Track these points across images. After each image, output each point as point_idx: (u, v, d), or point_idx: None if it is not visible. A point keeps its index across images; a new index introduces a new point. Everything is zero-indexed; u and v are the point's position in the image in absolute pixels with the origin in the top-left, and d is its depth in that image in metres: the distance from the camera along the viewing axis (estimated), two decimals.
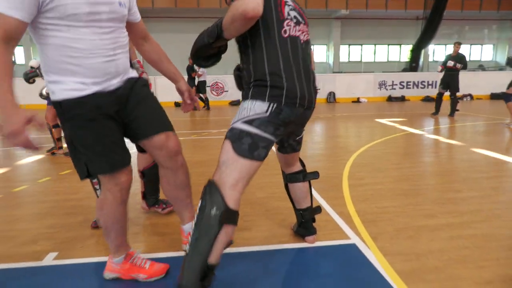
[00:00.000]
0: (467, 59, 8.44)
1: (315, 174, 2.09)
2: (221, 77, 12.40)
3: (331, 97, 13.03)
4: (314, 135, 6.18)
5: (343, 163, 3.99)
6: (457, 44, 8.02)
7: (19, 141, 1.27)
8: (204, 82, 10.73)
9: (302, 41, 1.63)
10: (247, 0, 1.35)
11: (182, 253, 1.95)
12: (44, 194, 3.13)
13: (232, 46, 1.71)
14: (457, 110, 8.19)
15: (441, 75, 8.29)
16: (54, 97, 1.46)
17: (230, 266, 1.81)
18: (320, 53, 17.30)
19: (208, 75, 11.34)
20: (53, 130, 4.53)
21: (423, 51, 16.01)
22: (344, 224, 2.37)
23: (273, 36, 1.52)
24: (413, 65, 15.67)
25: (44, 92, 4.43)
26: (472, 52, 17.93)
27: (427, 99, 12.96)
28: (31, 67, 4.69)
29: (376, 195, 2.93)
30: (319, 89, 12.96)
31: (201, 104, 10.88)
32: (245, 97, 1.59)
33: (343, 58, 17.25)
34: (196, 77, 10.32)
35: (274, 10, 1.53)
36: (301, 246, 2.08)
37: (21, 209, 2.80)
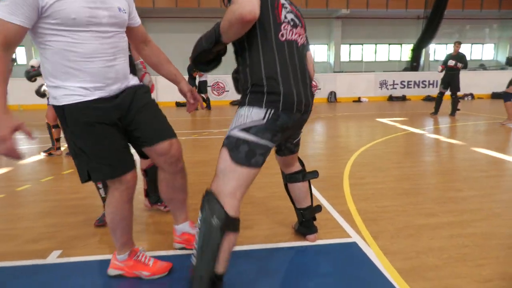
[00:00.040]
0: (468, 58, 8.45)
1: (315, 174, 2.10)
2: (222, 77, 12.41)
3: (332, 97, 13.03)
4: (315, 135, 6.20)
5: (344, 162, 4.00)
6: (457, 44, 8.02)
7: (3, 148, 1.27)
8: (205, 82, 10.75)
9: (299, 45, 1.62)
10: (243, 4, 1.33)
11: (184, 252, 1.98)
12: (46, 193, 3.15)
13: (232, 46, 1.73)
14: (458, 110, 8.19)
15: (442, 74, 8.30)
16: (56, 102, 1.47)
17: (232, 265, 1.82)
18: (321, 53, 17.30)
19: (209, 75, 11.35)
20: (53, 130, 4.52)
21: (424, 51, 15.99)
22: (345, 222, 2.38)
23: (270, 39, 1.51)
24: (414, 64, 15.66)
25: (42, 90, 4.43)
26: (473, 51, 17.90)
27: (428, 98, 12.96)
28: (32, 66, 4.71)
29: (376, 194, 2.94)
30: (320, 88, 12.98)
31: (202, 103, 10.90)
32: (241, 104, 1.56)
33: (344, 57, 17.25)
34: (197, 76, 10.34)
35: (271, 13, 1.51)
36: (302, 244, 2.09)
37: (24, 208, 2.82)
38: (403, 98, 13.25)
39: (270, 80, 1.49)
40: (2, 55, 1.31)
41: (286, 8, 1.59)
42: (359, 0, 15.22)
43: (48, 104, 4.38)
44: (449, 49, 16.20)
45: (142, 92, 1.67)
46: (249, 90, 1.53)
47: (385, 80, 13.42)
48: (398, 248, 2.03)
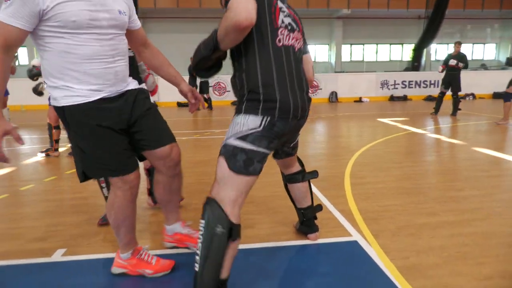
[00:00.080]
0: (470, 58, 8.46)
1: (314, 174, 2.11)
2: (223, 77, 12.43)
3: (333, 97, 13.04)
4: (317, 135, 6.21)
5: (345, 162, 4.02)
6: (458, 44, 8.03)
7: None
8: (206, 82, 10.77)
9: (296, 50, 1.61)
10: (239, 10, 1.32)
11: (186, 251, 2.00)
12: (50, 193, 3.18)
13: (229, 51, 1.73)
14: (459, 109, 8.19)
15: (443, 75, 8.30)
16: (56, 103, 1.49)
17: (234, 263, 1.85)
18: (322, 53, 17.31)
19: None
20: (54, 131, 4.52)
21: (425, 50, 15.97)
22: (346, 221, 2.40)
23: (267, 45, 1.50)
24: (415, 64, 15.64)
25: (39, 88, 4.43)
26: (475, 51, 17.88)
27: (429, 98, 12.95)
28: (34, 66, 4.73)
29: (377, 194, 2.96)
30: (321, 88, 12.99)
31: (204, 104, 10.92)
32: (237, 111, 1.54)
33: (345, 57, 17.25)
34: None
35: (268, 18, 1.49)
36: (303, 243, 2.11)
37: (28, 207, 2.85)
38: (404, 98, 13.24)
39: (267, 87, 1.48)
40: (2, 58, 1.33)
41: (283, 12, 1.57)
42: (360, 0, 15.22)
43: (49, 105, 4.40)
44: (450, 49, 16.17)
45: (144, 97, 1.70)
46: (246, 97, 1.52)
47: (386, 80, 13.42)
48: (399, 246, 2.04)
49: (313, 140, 5.63)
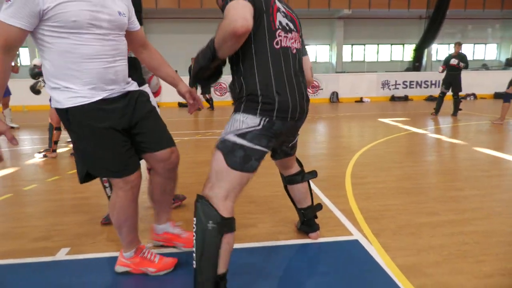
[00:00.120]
0: (471, 58, 8.46)
1: (313, 174, 2.13)
2: (225, 77, 12.43)
3: (334, 97, 13.04)
4: (318, 135, 6.23)
5: (346, 162, 4.04)
6: (458, 45, 8.03)
7: None
8: None
9: (294, 51, 1.61)
10: (234, 17, 1.32)
11: (188, 249, 2.01)
12: (53, 193, 3.20)
13: None
14: (460, 110, 8.20)
15: (443, 75, 8.30)
16: (59, 105, 1.50)
17: (236, 262, 1.87)
18: (323, 53, 17.31)
19: None
20: (54, 132, 4.51)
21: (426, 51, 15.98)
22: (347, 221, 2.42)
23: (264, 47, 1.50)
24: (416, 64, 15.64)
25: (37, 87, 4.42)
26: (476, 51, 17.87)
27: (430, 98, 12.93)
28: (35, 65, 4.75)
29: (378, 194, 2.97)
30: (322, 89, 13.00)
31: (205, 104, 10.94)
32: (236, 110, 1.56)
33: (346, 58, 17.26)
34: None
35: (266, 20, 1.49)
36: (304, 242, 2.13)
37: (32, 206, 2.87)
38: (405, 98, 13.24)
39: (265, 90, 1.49)
40: (2, 58, 1.34)
41: (281, 12, 1.57)
42: (361, 0, 15.23)
43: (51, 106, 4.41)
44: (451, 49, 16.17)
45: (145, 100, 1.73)
46: (244, 98, 1.53)
47: (387, 80, 13.42)
48: (399, 245, 2.06)
49: (314, 140, 5.64)
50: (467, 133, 6.02)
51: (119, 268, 1.81)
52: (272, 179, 3.24)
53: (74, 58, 1.43)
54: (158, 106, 2.32)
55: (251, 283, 1.72)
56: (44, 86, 3.60)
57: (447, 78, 8.15)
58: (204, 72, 1.58)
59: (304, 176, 2.09)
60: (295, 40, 1.63)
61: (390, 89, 13.45)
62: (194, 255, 1.44)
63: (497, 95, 13.11)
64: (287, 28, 1.58)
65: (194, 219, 1.44)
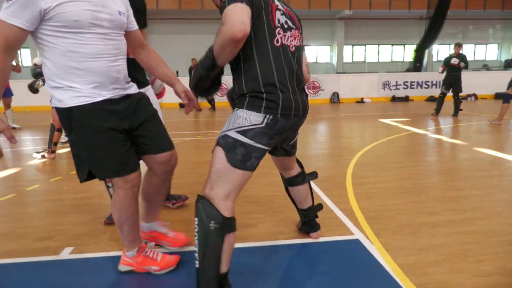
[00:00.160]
0: (472, 58, 8.47)
1: (314, 175, 2.14)
2: (225, 78, 12.44)
3: (335, 98, 13.06)
4: (319, 135, 6.25)
5: (347, 162, 4.05)
6: (458, 46, 8.05)
7: None
8: None
9: (293, 48, 1.62)
10: (232, 22, 1.32)
11: (190, 248, 2.03)
12: (55, 193, 3.23)
13: None
14: (461, 110, 8.21)
15: (444, 75, 8.32)
16: (61, 104, 1.51)
17: (236, 261, 1.89)
18: (324, 54, 17.34)
19: None
20: (55, 133, 4.52)
21: (427, 51, 15.99)
22: (348, 220, 2.43)
23: (265, 46, 1.50)
24: (417, 65, 15.65)
25: (35, 85, 4.42)
26: (477, 51, 17.87)
27: (431, 99, 12.95)
28: (35, 64, 4.77)
29: (379, 193, 2.99)
30: (323, 89, 13.01)
31: (207, 105, 10.96)
32: (239, 106, 1.54)
33: (347, 58, 17.28)
34: None
35: (265, 19, 1.49)
36: (306, 241, 2.15)
37: (35, 207, 2.89)
38: (406, 99, 13.26)
39: (269, 87, 1.50)
40: (2, 58, 1.35)
41: (280, 10, 1.58)
42: (361, 1, 15.25)
43: (52, 107, 4.43)
44: (452, 50, 16.18)
45: (147, 103, 1.75)
46: (247, 95, 1.53)
47: (388, 81, 13.43)
48: (400, 245, 2.08)
49: (315, 140, 5.66)
50: (468, 133, 6.03)
51: (122, 267, 1.83)
52: (272, 179, 3.26)
53: (78, 57, 1.45)
54: (161, 108, 2.34)
55: (251, 283, 1.74)
56: (42, 85, 3.59)
57: (447, 79, 8.16)
58: (204, 82, 1.58)
59: (304, 177, 2.10)
60: (294, 38, 1.64)
61: (391, 90, 13.47)
62: (196, 255, 1.45)
63: (498, 96, 13.11)
64: (286, 26, 1.59)
65: (196, 219, 1.45)
